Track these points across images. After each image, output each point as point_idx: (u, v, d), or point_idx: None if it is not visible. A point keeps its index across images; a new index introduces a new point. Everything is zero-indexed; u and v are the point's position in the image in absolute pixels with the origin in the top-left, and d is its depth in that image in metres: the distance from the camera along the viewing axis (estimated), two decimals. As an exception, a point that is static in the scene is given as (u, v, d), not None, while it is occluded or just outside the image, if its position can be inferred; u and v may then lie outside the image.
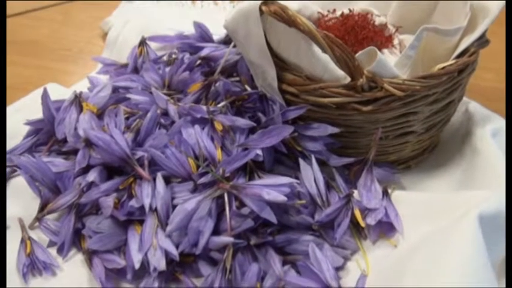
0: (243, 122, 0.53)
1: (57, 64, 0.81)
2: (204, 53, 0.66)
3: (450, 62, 0.51)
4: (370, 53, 0.49)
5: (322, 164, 0.54)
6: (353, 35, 0.57)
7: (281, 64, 0.54)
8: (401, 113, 0.51)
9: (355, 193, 0.51)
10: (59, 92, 0.66)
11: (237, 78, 0.63)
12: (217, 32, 0.70)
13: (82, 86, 0.69)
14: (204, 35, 0.72)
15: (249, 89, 0.59)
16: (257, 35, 0.51)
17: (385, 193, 0.51)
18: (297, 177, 0.52)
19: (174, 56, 0.70)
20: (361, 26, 0.57)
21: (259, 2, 0.48)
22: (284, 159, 0.55)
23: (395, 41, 0.59)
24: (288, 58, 0.53)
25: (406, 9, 0.61)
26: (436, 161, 0.59)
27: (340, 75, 0.50)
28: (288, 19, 0.47)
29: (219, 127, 0.53)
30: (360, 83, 0.48)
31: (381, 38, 0.58)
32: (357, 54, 0.49)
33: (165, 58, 0.71)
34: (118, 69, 0.70)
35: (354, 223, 0.50)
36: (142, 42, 0.72)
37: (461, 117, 0.61)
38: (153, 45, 0.73)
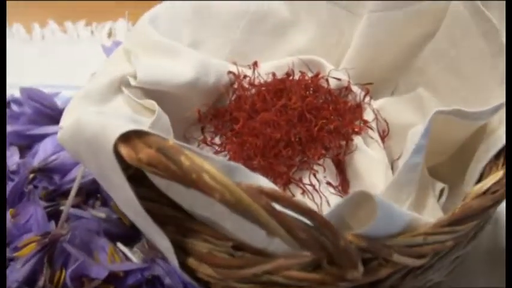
0: None
1: None
2: (39, 158, 0.38)
3: (486, 183, 0.27)
4: (358, 201, 0.24)
5: None
6: (303, 128, 0.31)
7: (182, 218, 0.27)
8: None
9: None
10: None
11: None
12: (70, 74, 0.44)
13: None
14: (41, 109, 0.43)
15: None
16: (120, 186, 0.24)
17: None
18: None
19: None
20: (315, 108, 0.31)
21: (113, 136, 0.22)
22: None
23: (369, 115, 0.34)
24: (191, 209, 0.27)
25: (374, 52, 0.36)
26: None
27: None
28: (182, 176, 0.20)
29: None
30: (352, 274, 0.23)
31: (351, 123, 0.32)
32: (330, 211, 0.24)
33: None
34: None
35: None
36: None
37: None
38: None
